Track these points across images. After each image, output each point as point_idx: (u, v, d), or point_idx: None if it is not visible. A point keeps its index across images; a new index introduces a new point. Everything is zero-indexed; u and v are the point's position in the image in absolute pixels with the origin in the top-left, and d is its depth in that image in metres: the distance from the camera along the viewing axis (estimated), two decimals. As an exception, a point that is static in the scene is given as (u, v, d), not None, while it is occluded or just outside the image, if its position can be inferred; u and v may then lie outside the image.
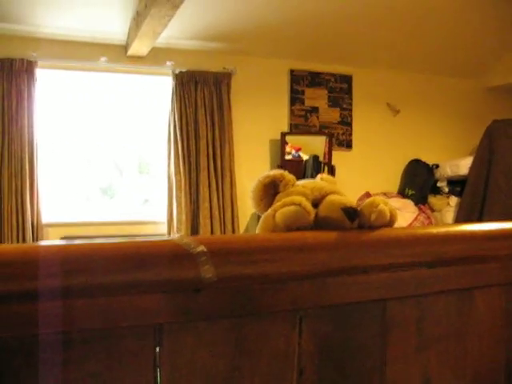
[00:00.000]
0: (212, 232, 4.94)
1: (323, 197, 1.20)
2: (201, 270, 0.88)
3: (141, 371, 0.89)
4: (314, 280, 1.01)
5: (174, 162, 5.06)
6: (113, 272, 0.84)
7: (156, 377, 0.91)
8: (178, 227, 4.98)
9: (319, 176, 1.35)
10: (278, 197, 1.26)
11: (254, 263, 0.94)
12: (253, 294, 0.95)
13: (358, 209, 1.13)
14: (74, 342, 0.85)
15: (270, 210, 1.14)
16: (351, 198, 1.20)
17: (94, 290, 0.83)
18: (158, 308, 0.88)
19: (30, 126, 4.62)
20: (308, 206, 1.11)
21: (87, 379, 0.86)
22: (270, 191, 1.27)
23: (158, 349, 0.90)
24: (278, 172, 1.28)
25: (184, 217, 5.02)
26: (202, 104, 5.14)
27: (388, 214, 1.13)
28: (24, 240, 4.46)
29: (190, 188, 5.10)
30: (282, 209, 1.11)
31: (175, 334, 0.91)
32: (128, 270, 0.85)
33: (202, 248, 0.90)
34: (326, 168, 5.37)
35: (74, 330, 0.84)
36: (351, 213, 1.11)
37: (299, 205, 1.10)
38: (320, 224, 1.15)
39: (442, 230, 1.22)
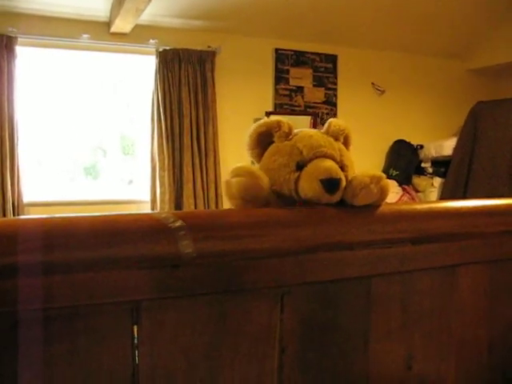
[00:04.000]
0: (196, 212, 4.92)
1: (311, 160, 1.14)
2: (179, 246, 0.86)
3: (119, 350, 0.87)
4: (296, 256, 1.00)
5: (158, 142, 5.00)
6: (88, 247, 0.81)
7: (134, 355, 0.88)
8: (161, 207, 4.95)
9: (329, 121, 1.24)
10: (270, 148, 1.20)
11: (235, 239, 0.93)
12: (234, 270, 0.94)
13: (341, 181, 1.09)
14: (50, 320, 0.82)
15: (227, 177, 1.09)
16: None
17: (69, 265, 0.81)
18: (136, 285, 0.86)
19: (10, 104, 4.53)
20: (258, 173, 1.07)
21: (64, 358, 0.83)
22: (265, 140, 1.21)
23: (136, 327, 0.88)
24: (274, 121, 1.20)
25: (167, 196, 4.98)
26: (186, 83, 5.08)
27: (376, 194, 1.09)
28: (5, 220, 4.38)
29: (173, 167, 5.05)
30: (234, 178, 1.07)
31: (154, 312, 0.89)
32: (104, 245, 0.82)
33: (180, 223, 0.88)
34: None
35: (49, 307, 0.81)
36: (330, 186, 1.08)
37: (248, 173, 1.06)
38: (299, 192, 1.12)
39: (426, 206, 1.22)
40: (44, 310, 0.81)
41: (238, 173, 1.07)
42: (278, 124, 1.19)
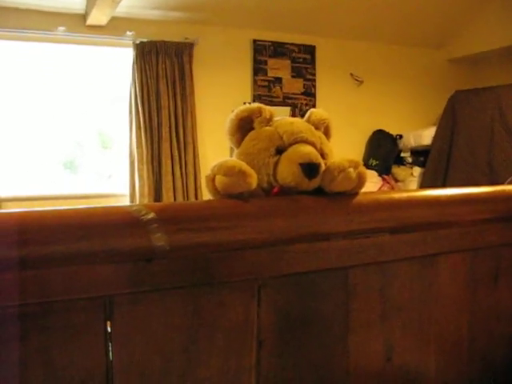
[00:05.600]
0: (176, 205, 4.87)
1: (291, 145, 1.14)
2: (152, 238, 0.85)
3: (92, 346, 0.85)
4: (272, 248, 0.99)
5: (136, 134, 4.96)
6: (58, 241, 0.79)
7: (108, 351, 0.86)
8: (140, 200, 4.91)
9: (311, 111, 1.25)
10: (250, 133, 1.20)
11: (208, 230, 0.91)
12: (208, 262, 0.92)
13: (320, 166, 1.09)
14: (22, 316, 0.80)
15: (209, 171, 1.05)
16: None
17: (39, 260, 0.79)
18: (109, 279, 0.84)
19: (-15, 98, 4.48)
20: (248, 172, 1.03)
21: (37, 354, 0.81)
22: (245, 125, 1.20)
23: (109, 322, 0.86)
24: (256, 106, 1.20)
25: (146, 189, 4.94)
26: (164, 75, 5.04)
27: (354, 180, 1.09)
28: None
29: (152, 160, 5.02)
30: (220, 177, 1.03)
31: (127, 307, 0.87)
32: (74, 240, 0.80)
33: (152, 215, 0.87)
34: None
35: (21, 303, 0.79)
36: (309, 170, 1.08)
37: (237, 173, 1.02)
38: (277, 178, 1.12)
39: (405, 195, 1.22)
40: (16, 306, 0.79)
41: (225, 171, 1.03)
42: (259, 110, 1.19)
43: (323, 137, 1.22)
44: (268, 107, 1.21)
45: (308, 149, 1.12)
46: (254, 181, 1.03)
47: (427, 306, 1.21)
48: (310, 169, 1.08)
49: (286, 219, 1.00)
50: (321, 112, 1.26)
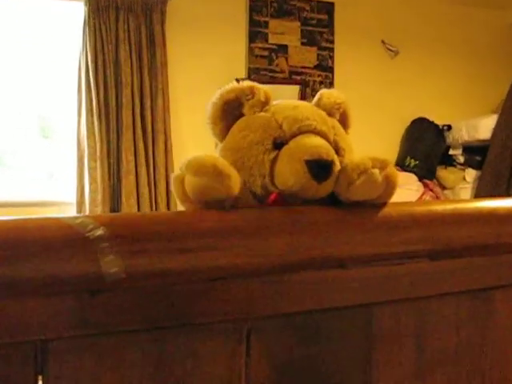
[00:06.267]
0: (140, 217, 4.84)
1: (294, 136, 1.14)
2: (101, 263, 0.84)
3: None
4: (267, 277, 0.98)
5: (87, 121, 4.96)
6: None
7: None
8: (91, 210, 4.90)
9: (321, 92, 1.26)
10: (239, 121, 1.21)
11: (180, 253, 0.90)
12: (179, 296, 0.92)
13: (334, 165, 1.09)
14: None
15: (178, 170, 1.06)
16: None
17: None
18: (41, 319, 0.83)
19: None
20: (226, 171, 1.01)
21: None
22: (232, 111, 1.22)
23: (41, 377, 0.86)
24: (246, 86, 1.21)
25: (100, 196, 4.92)
26: (126, 39, 5.04)
27: (380, 185, 1.08)
28: None
29: (108, 156, 5.01)
30: (189, 178, 1.03)
31: (66, 356, 0.86)
32: (-7, 263, 0.79)
33: (103, 230, 0.86)
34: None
35: None
36: (318, 170, 1.07)
37: (211, 172, 1.00)
38: (275, 180, 1.13)
39: (451, 207, 1.20)
40: None
41: (197, 171, 1.01)
42: (251, 90, 1.20)
43: (339, 126, 1.23)
44: (263, 86, 1.21)
45: (317, 141, 1.12)
46: (234, 184, 1.02)
47: (480, 355, 1.21)
48: (319, 167, 1.08)
49: (287, 238, 0.99)
50: (335, 93, 1.26)
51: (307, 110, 1.19)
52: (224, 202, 1.01)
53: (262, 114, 1.19)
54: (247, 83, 1.22)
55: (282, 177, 1.11)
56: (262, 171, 1.13)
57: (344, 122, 1.26)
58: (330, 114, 1.22)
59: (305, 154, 1.08)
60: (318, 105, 1.24)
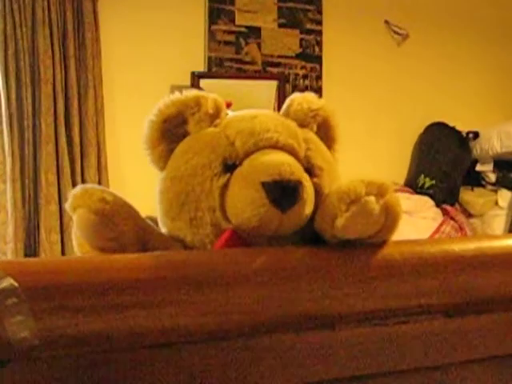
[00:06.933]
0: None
1: (248, 154, 1.05)
2: (7, 325, 0.76)
3: None
4: (227, 342, 0.88)
5: (-7, 128, 4.68)
6: None
7: None
8: (-1, 248, 4.61)
9: (291, 98, 1.18)
10: (182, 142, 1.11)
11: (112, 310, 0.81)
12: (110, 369, 0.83)
13: (301, 186, 0.99)
14: None
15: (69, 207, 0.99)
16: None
17: None
18: None
19: None
20: (119, 212, 0.97)
21: None
22: (175, 130, 1.12)
23: None
24: (191, 96, 1.11)
25: (11, 229, 4.58)
26: (46, 21, 4.71)
27: (377, 218, 0.97)
28: None
29: (21, 176, 4.69)
30: (76, 213, 0.97)
31: None
32: None
33: (9, 282, 0.78)
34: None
35: None
36: (279, 193, 0.98)
37: (99, 212, 0.95)
38: (227, 212, 1.03)
39: (472, 246, 1.09)
40: None
41: (79, 203, 0.97)
42: (197, 101, 1.10)
43: (315, 140, 1.14)
44: (213, 95, 1.12)
45: (278, 157, 1.04)
46: (123, 222, 0.97)
47: None
48: (281, 190, 0.98)
49: (254, 290, 0.89)
50: (309, 97, 1.17)
51: (268, 120, 1.11)
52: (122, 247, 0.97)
53: (211, 129, 1.10)
54: (192, 93, 1.12)
55: (234, 208, 1.02)
56: (210, 203, 1.04)
57: (326, 134, 1.18)
58: (303, 125, 1.13)
59: (261, 175, 0.99)
60: (287, 113, 1.16)
